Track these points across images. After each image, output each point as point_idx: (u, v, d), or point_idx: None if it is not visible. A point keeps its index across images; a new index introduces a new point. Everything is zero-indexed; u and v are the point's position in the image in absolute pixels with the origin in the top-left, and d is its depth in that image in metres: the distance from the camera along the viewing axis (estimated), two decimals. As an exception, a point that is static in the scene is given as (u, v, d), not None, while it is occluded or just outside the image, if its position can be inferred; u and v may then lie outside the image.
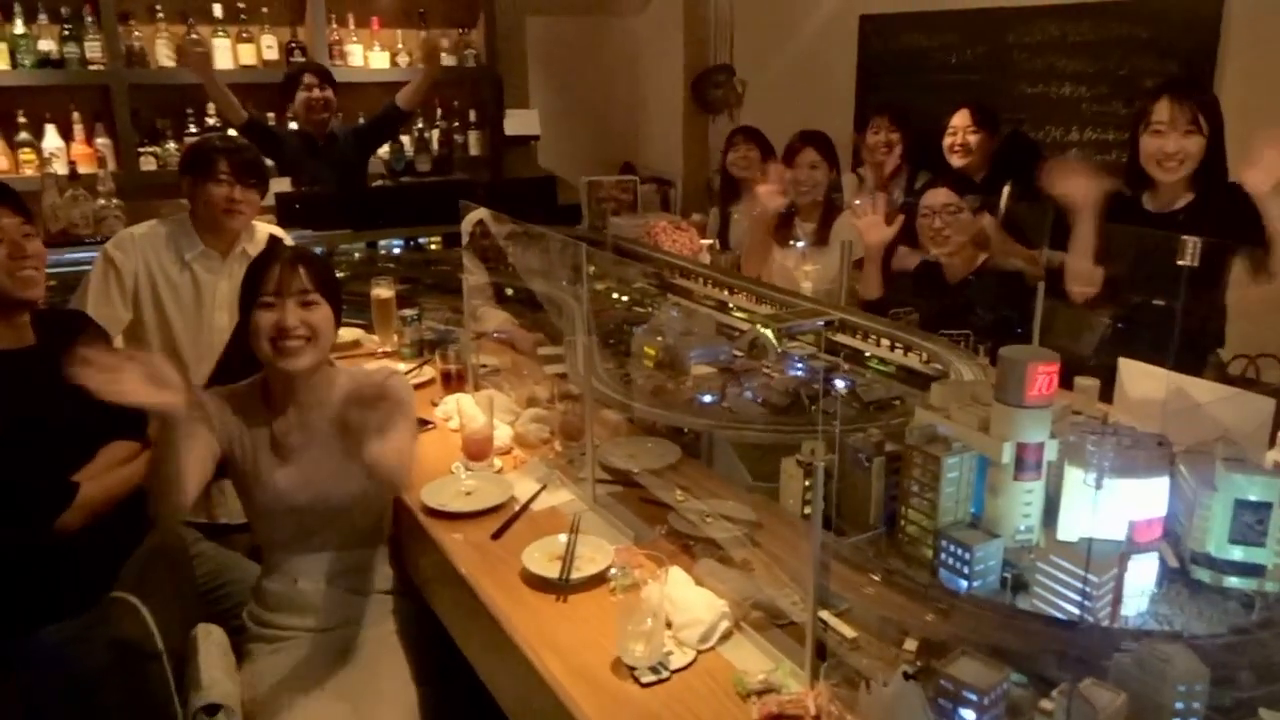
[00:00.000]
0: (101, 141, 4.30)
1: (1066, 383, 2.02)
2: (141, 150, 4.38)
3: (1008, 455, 1.44)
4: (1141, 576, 1.39)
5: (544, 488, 2.10)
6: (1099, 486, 1.24)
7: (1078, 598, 1.31)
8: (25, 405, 1.97)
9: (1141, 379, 1.92)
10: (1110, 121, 3.68)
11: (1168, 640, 1.25)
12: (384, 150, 4.69)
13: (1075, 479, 1.45)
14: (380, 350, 3.01)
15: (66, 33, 4.16)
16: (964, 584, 1.42)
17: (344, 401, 1.74)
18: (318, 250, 3.41)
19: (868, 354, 2.15)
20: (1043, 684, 1.26)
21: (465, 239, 2.61)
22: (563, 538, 1.82)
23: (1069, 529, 1.47)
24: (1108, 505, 1.39)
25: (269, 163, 3.15)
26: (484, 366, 2.73)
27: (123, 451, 2.08)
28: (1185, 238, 1.67)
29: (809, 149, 3.40)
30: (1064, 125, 3.80)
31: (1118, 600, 1.36)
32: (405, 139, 4.82)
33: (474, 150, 5.20)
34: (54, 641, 1.97)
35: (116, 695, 1.75)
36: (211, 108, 4.39)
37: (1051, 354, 1.42)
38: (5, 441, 1.92)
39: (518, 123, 5.12)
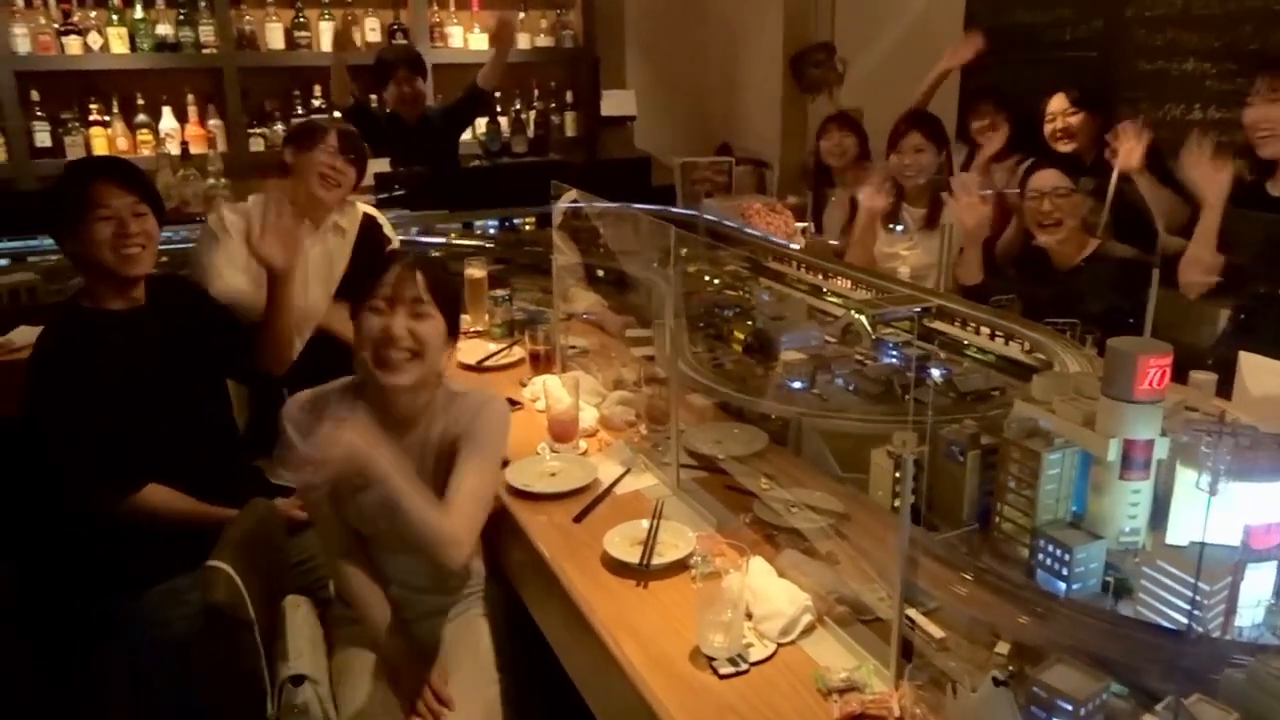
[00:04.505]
0: (213, 123, 4.44)
1: (1181, 377, 1.91)
2: (251, 131, 4.52)
3: (1114, 452, 1.35)
4: (1258, 586, 1.29)
5: (628, 471, 2.09)
6: (1214, 492, 1.15)
7: (1187, 606, 1.23)
8: (131, 361, 2.06)
9: (1264, 374, 1.81)
10: (1236, 100, 3.44)
11: (1286, 656, 1.16)
12: (480, 131, 4.74)
13: (1187, 480, 1.36)
14: (471, 330, 3.04)
15: (182, 17, 4.31)
16: (1062, 586, 1.35)
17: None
18: (414, 233, 3.47)
19: (966, 342, 2.07)
20: (1145, 696, 1.19)
21: (557, 219, 2.61)
22: (645, 523, 1.81)
23: (1179, 532, 1.38)
24: (1222, 509, 1.30)
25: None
26: (572, 348, 2.73)
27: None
28: (1317, 226, 1.56)
29: (915, 132, 3.25)
30: (1185, 104, 3.58)
31: (1231, 611, 1.27)
32: (502, 120, 4.86)
33: (570, 131, 5.20)
34: (155, 603, 2.06)
35: (210, 659, 1.80)
36: (318, 90, 4.51)
37: (1164, 346, 1.34)
38: (111, 395, 2.00)
39: (614, 103, 5.10)
